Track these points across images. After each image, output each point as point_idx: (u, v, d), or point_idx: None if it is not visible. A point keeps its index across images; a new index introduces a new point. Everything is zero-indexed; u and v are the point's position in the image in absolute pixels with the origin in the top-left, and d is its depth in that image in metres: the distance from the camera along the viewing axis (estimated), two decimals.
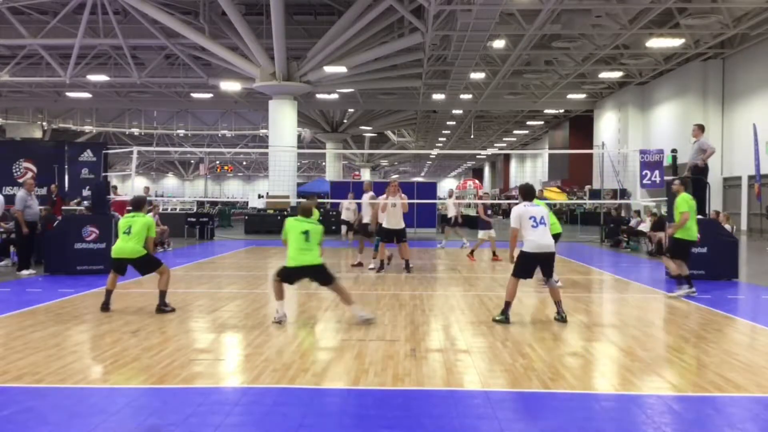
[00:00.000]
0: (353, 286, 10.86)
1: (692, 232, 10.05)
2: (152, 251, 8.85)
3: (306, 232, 7.67)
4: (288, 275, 7.78)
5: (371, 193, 14.41)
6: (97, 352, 6.28)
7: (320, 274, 7.81)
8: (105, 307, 8.44)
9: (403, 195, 13.10)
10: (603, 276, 13.14)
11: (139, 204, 9.10)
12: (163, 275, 8.57)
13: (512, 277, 7.93)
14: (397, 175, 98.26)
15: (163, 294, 8.50)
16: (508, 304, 7.87)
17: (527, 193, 8.33)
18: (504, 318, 7.80)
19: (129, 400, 4.84)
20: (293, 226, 7.74)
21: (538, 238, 7.75)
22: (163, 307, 8.38)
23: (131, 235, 8.53)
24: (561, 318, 7.89)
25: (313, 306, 9.02)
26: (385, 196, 13.05)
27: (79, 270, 11.98)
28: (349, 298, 7.85)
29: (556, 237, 9.64)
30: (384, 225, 12.87)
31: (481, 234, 16.08)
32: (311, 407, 4.71)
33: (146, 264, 8.65)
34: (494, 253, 15.70)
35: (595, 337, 7.13)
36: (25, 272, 12.16)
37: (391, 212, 12.78)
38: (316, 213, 8.24)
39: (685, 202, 9.98)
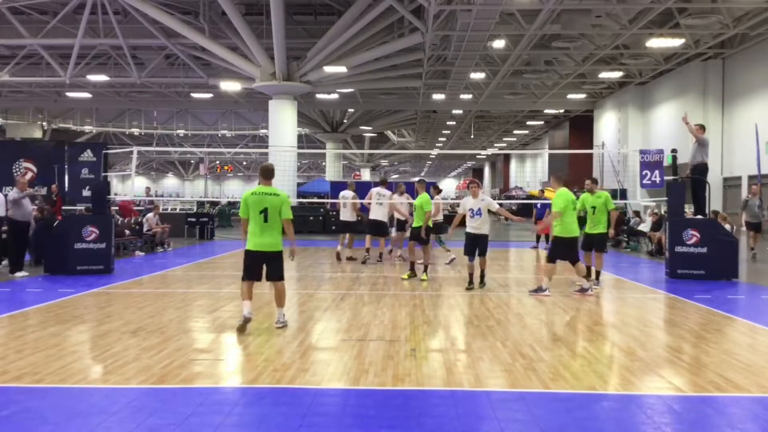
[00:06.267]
0: (353, 286, 10.87)
1: (571, 228, 9.93)
2: (292, 238, 7.07)
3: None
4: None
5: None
6: (97, 352, 6.28)
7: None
8: (242, 326, 6.90)
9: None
10: (603, 276, 13.10)
11: (270, 173, 7.17)
12: (280, 289, 7.22)
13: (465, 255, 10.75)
14: (397, 175, 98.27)
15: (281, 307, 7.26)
16: (470, 275, 10.73)
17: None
18: (468, 284, 10.61)
19: (129, 400, 4.83)
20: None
21: (472, 224, 10.56)
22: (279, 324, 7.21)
23: (269, 222, 6.81)
24: (481, 283, 10.67)
25: (313, 306, 9.02)
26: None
27: (79, 270, 11.97)
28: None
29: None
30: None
31: None
32: (311, 407, 4.71)
33: (279, 266, 7.07)
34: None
35: (595, 337, 7.13)
36: (18, 274, 11.74)
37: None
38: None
39: (561, 197, 9.85)
